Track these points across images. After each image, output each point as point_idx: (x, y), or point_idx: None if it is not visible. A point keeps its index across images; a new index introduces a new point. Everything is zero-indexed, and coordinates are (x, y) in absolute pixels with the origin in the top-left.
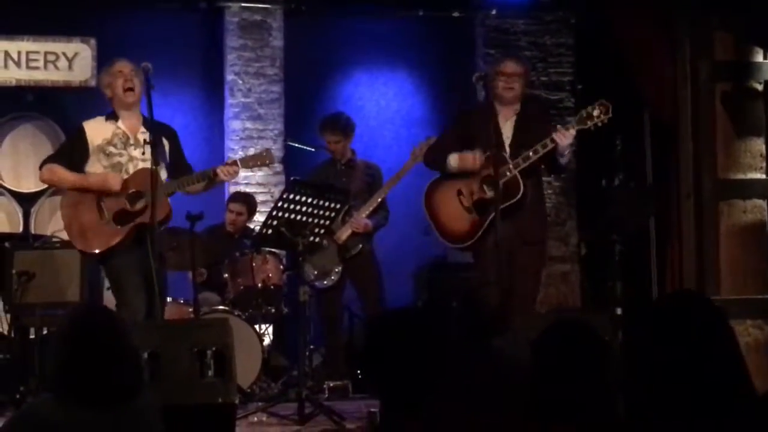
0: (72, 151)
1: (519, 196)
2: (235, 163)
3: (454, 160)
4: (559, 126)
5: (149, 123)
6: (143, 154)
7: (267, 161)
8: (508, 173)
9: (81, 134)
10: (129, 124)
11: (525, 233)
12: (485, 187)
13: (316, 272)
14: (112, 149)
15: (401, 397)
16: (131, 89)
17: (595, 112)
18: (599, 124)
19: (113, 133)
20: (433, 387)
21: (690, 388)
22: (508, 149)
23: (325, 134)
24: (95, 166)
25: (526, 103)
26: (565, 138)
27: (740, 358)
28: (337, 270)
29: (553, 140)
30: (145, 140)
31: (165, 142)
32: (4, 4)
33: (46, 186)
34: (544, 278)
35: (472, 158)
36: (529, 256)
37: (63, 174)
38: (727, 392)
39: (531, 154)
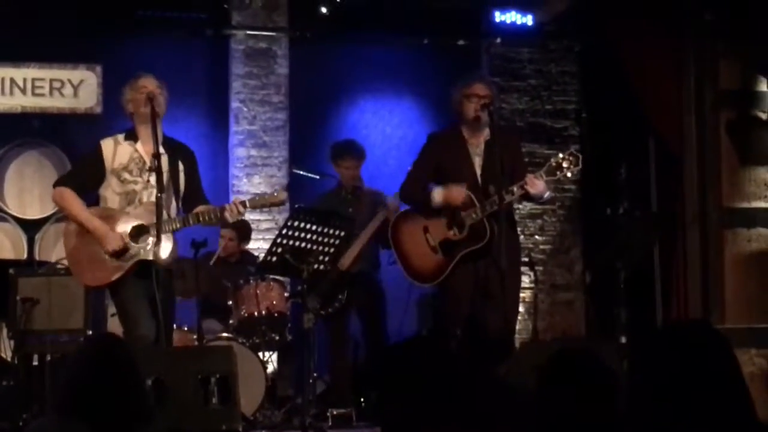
0: (87, 173)
1: (485, 240)
2: (243, 204)
3: (438, 195)
4: (529, 174)
5: (167, 143)
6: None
7: (278, 201)
8: (474, 215)
9: (98, 155)
10: (148, 147)
11: (500, 260)
12: (453, 228)
13: (320, 300)
14: (127, 176)
15: (406, 426)
16: (154, 107)
17: (565, 164)
18: (569, 175)
19: (130, 158)
20: (438, 416)
21: (694, 417)
22: (479, 180)
23: (344, 160)
24: (108, 191)
25: (497, 132)
26: (535, 187)
27: (744, 388)
28: (340, 297)
29: (522, 187)
30: (150, 168)
31: (181, 166)
32: (9, 31)
33: (50, 213)
34: (548, 306)
35: (457, 194)
36: (504, 282)
37: (72, 204)
38: (731, 421)
39: (498, 200)
